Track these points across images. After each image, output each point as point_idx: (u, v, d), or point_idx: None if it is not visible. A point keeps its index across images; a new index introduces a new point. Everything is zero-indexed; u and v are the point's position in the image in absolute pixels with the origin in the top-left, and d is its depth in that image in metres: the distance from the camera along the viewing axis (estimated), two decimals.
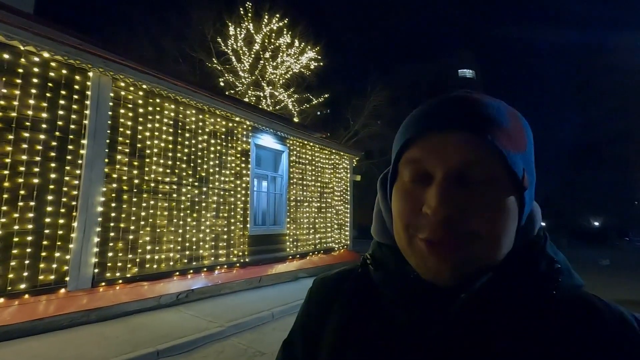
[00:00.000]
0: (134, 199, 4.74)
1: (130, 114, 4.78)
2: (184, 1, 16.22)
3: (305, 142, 8.33)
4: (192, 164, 5.58)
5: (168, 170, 5.22)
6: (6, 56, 3.67)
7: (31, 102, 3.81)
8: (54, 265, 3.89)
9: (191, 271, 5.42)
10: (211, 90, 6.09)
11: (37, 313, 3.60)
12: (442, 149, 0.39)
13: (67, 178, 4.06)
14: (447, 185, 0.38)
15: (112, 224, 4.47)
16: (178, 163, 5.37)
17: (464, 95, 0.42)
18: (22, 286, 3.65)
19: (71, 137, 4.12)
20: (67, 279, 3.98)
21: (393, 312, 0.45)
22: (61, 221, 3.97)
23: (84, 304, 3.98)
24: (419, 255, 0.40)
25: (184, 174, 5.46)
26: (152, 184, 4.98)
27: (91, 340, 3.50)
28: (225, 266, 6.01)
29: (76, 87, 4.20)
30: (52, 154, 3.95)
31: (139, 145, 4.83)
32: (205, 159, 5.84)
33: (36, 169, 3.81)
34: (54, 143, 3.97)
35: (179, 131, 5.43)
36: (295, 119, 15.40)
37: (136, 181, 4.79)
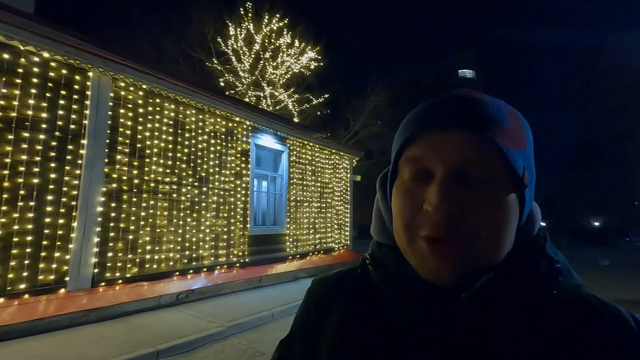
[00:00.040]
0: (134, 199, 4.74)
1: (130, 114, 4.78)
2: (184, 1, 16.27)
3: (305, 142, 8.32)
4: (192, 164, 5.58)
5: (168, 170, 5.22)
6: (6, 56, 3.67)
7: (31, 102, 3.81)
8: (54, 265, 3.89)
9: (191, 271, 5.42)
10: (211, 90, 6.09)
11: (37, 313, 3.60)
12: (443, 147, 0.39)
13: (67, 178, 4.06)
14: (447, 184, 0.38)
15: (112, 224, 4.47)
16: (178, 163, 5.38)
17: (464, 94, 0.42)
18: (22, 286, 3.65)
19: (71, 137, 4.12)
20: (67, 279, 3.98)
21: (393, 312, 0.45)
22: (61, 221, 3.97)
23: (83, 304, 3.98)
24: (420, 255, 0.40)
25: (184, 174, 5.46)
26: (152, 184, 4.98)
27: (91, 340, 3.50)
28: (225, 266, 6.01)
29: (76, 87, 4.21)
30: (52, 154, 3.95)
31: (138, 145, 4.83)
32: (205, 159, 5.84)
33: (36, 169, 3.81)
34: (53, 143, 3.97)
35: (179, 131, 5.43)
36: (296, 119, 15.41)
37: (136, 181, 4.79)
